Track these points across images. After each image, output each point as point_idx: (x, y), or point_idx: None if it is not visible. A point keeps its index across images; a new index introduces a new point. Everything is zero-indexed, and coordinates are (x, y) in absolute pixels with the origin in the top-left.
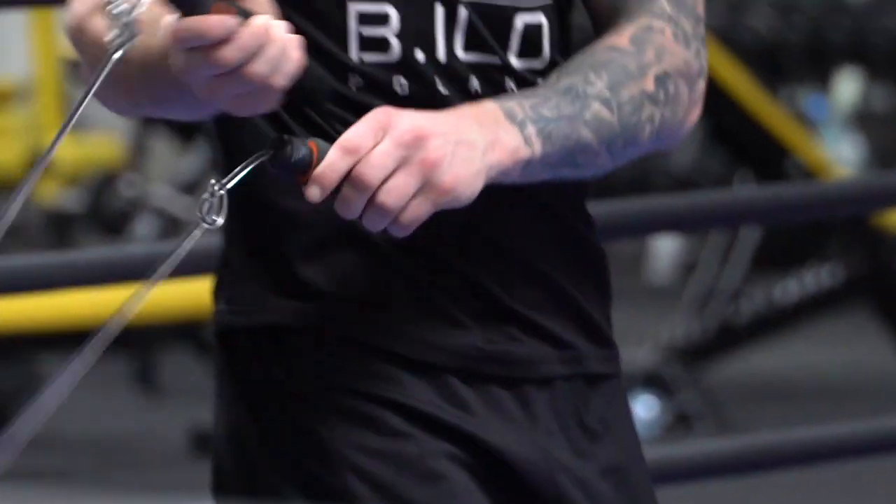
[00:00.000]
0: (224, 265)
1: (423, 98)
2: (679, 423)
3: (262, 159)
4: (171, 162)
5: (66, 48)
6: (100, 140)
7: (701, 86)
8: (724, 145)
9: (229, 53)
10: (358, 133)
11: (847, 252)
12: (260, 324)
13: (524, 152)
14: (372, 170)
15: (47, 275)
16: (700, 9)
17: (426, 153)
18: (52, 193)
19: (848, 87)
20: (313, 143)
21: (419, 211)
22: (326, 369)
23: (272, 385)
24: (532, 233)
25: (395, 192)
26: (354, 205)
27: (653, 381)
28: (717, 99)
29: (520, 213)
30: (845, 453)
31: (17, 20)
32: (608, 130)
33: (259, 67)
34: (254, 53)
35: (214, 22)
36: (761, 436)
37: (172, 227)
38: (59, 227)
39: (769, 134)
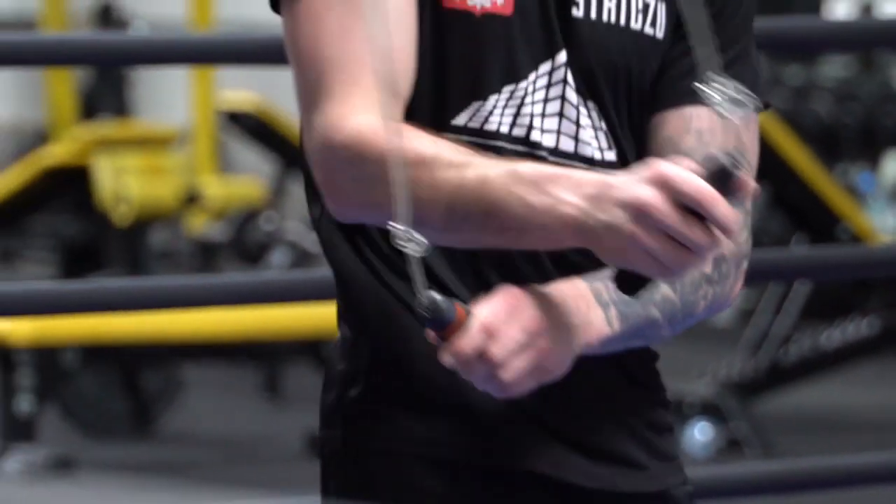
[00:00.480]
0: (356, 392)
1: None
2: (731, 446)
3: (418, 309)
4: (305, 203)
5: (220, 101)
6: (245, 181)
7: (744, 266)
8: (784, 211)
9: (706, 238)
10: (496, 316)
11: (885, 307)
12: (393, 449)
13: (606, 331)
14: (502, 352)
15: (194, 294)
16: (748, 204)
17: (545, 342)
18: (202, 225)
19: (894, 165)
20: (461, 309)
21: (525, 386)
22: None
23: None
24: (615, 388)
25: (513, 371)
26: (477, 374)
27: (710, 410)
28: (780, 171)
29: (605, 372)
30: (874, 479)
31: (179, 75)
32: (671, 308)
33: (709, 256)
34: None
35: (727, 210)
36: (801, 461)
37: (303, 258)
38: (206, 255)
39: (823, 203)
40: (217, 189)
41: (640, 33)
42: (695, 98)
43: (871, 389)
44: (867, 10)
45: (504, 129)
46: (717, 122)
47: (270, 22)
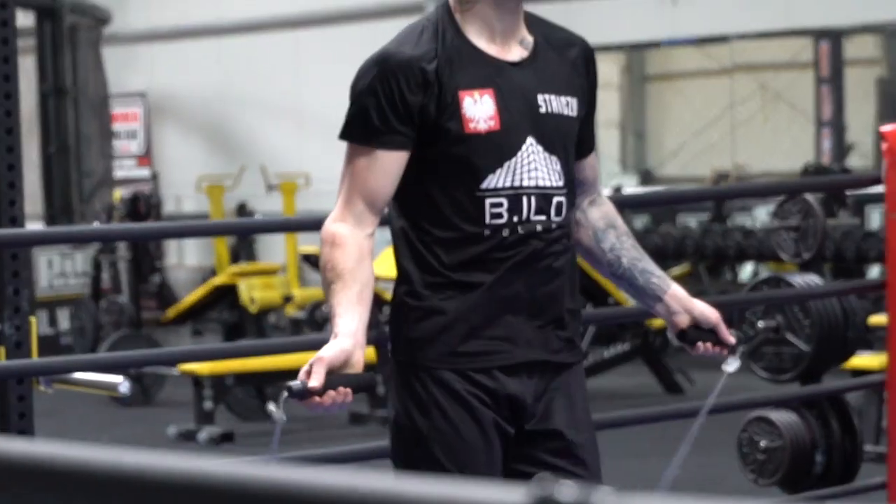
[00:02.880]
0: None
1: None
2: None
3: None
4: None
5: (300, 249)
6: (314, 289)
7: None
8: (581, 291)
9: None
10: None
11: (632, 337)
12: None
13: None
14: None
15: (292, 346)
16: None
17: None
18: (293, 311)
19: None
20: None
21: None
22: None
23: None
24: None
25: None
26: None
27: None
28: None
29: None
30: (628, 423)
31: (279, 238)
32: None
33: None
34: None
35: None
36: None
37: None
38: (295, 327)
39: (602, 286)
40: (300, 293)
41: (568, 117)
42: (589, 151)
43: (628, 377)
44: (618, 189)
45: (507, 184)
46: (596, 161)
47: (327, 211)
